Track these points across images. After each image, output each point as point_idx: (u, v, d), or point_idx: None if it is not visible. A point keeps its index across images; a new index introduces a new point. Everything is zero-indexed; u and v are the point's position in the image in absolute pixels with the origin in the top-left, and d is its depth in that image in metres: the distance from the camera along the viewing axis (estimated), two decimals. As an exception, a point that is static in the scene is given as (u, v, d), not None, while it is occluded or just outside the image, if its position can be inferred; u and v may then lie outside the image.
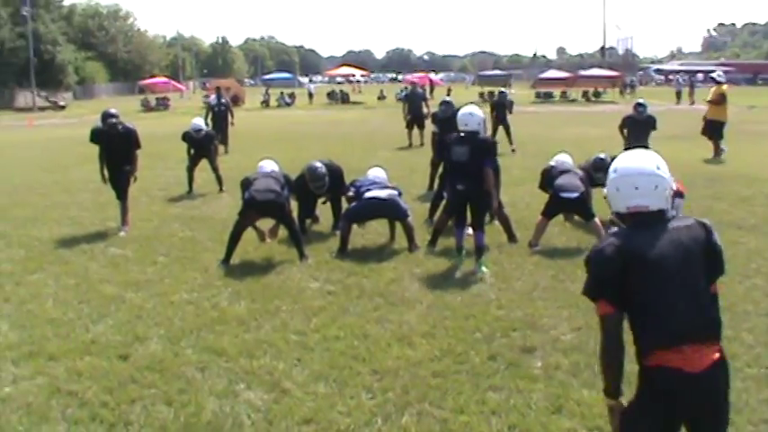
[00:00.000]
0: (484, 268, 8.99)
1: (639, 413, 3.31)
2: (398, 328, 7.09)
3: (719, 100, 19.83)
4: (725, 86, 20.38)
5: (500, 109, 22.88)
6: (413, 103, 23.60)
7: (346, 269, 9.20)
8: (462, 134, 9.18)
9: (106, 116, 11.53)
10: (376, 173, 10.88)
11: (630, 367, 3.38)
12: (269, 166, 10.56)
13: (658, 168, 3.38)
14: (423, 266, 9.31)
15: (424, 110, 23.19)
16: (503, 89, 26.92)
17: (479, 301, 7.90)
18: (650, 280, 3.23)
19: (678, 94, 53.57)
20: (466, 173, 9.04)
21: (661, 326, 3.20)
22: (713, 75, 22.17)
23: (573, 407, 5.36)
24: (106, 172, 11.52)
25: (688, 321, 3.18)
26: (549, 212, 10.25)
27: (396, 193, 10.31)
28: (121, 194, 11.64)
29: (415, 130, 23.46)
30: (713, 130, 19.75)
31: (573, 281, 8.56)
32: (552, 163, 10.93)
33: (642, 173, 3.39)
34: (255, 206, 9.61)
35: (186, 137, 15.42)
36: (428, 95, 24.84)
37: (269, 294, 8.21)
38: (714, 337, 3.26)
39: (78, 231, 11.68)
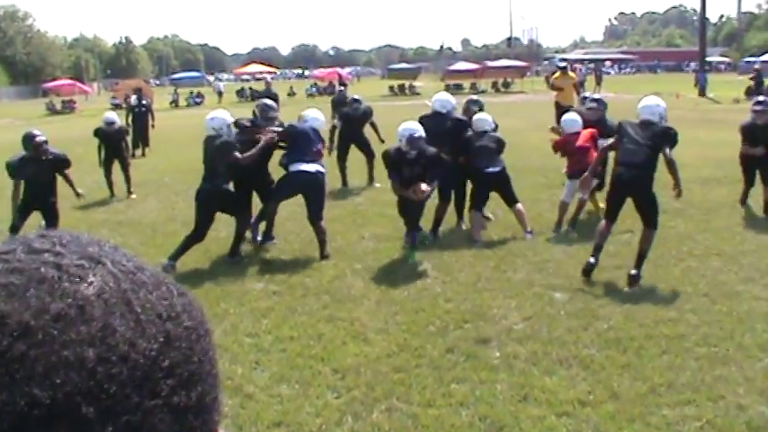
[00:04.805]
0: None
1: None
2: (351, 326, 7.08)
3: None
4: (571, 73, 22.60)
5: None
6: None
7: (287, 268, 9.14)
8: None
9: (30, 138, 9.84)
10: (315, 114, 10.39)
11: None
12: None
13: None
14: (363, 262, 9.31)
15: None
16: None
17: (426, 295, 7.94)
18: None
19: (582, 83, 54.47)
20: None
21: None
22: (560, 64, 24.10)
23: (538, 394, 5.45)
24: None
25: None
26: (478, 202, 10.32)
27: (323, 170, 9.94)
28: (54, 224, 10.19)
29: None
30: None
31: (514, 270, 8.69)
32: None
33: None
34: (204, 197, 9.40)
35: (99, 132, 14.94)
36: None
37: (213, 297, 8.08)
38: None
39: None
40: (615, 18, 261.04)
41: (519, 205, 10.31)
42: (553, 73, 23.14)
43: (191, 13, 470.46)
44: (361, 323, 7.15)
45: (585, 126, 10.96)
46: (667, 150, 8.10)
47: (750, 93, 33.76)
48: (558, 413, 5.16)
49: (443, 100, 10.82)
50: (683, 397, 5.36)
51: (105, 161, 14.85)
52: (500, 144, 10.42)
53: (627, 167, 8.24)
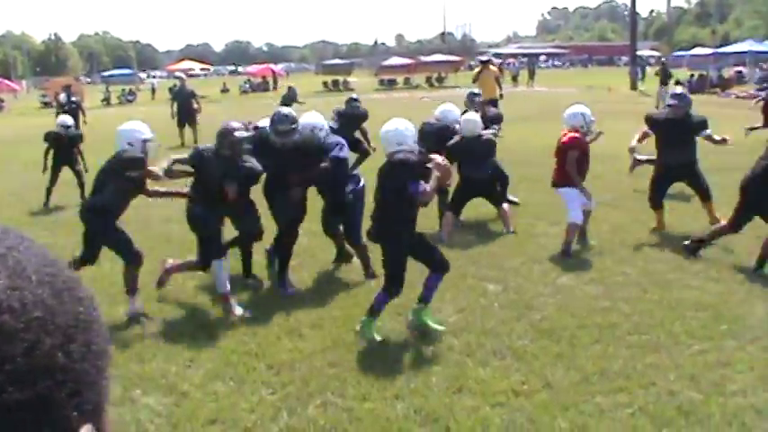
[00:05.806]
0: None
1: None
2: (285, 321, 7.04)
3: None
4: (492, 68, 22.64)
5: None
6: (181, 100, 22.87)
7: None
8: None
9: (227, 132, 7.45)
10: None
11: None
12: None
13: None
14: (297, 258, 9.19)
15: (195, 105, 22.59)
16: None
17: (361, 291, 7.93)
18: None
19: (514, 78, 55.15)
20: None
21: None
22: (483, 58, 25.45)
23: (472, 385, 5.49)
24: None
25: None
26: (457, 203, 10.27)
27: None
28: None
29: (187, 128, 22.42)
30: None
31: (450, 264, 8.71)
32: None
33: None
34: None
35: (51, 136, 14.20)
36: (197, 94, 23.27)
37: (147, 296, 7.96)
38: None
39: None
40: (548, 13, 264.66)
41: (505, 206, 10.32)
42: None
43: (122, 10, 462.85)
44: (295, 319, 7.11)
45: (664, 126, 10.01)
46: None
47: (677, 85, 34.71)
48: (492, 403, 5.20)
49: (443, 110, 10.91)
50: (615, 384, 5.44)
51: (54, 167, 14.14)
52: (492, 149, 10.27)
53: None
